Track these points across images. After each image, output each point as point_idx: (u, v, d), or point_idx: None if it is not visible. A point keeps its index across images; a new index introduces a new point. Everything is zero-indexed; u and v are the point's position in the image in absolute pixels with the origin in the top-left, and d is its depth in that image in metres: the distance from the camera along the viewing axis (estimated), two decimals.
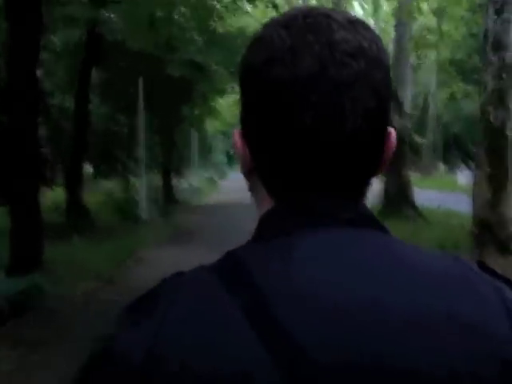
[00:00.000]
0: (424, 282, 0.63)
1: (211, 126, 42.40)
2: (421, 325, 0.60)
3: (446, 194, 24.99)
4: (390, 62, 0.77)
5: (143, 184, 18.16)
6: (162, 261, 10.70)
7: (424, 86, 45.24)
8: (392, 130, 0.73)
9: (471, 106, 45.02)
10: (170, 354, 0.59)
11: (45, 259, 9.57)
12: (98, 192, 27.66)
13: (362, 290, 0.61)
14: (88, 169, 50.45)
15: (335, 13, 0.69)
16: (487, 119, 7.73)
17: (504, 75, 7.36)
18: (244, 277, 0.61)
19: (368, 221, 0.70)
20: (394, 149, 0.73)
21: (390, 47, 15.98)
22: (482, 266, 0.70)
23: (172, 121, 24.36)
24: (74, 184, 16.79)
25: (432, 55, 39.86)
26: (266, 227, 0.69)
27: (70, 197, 16.63)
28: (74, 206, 16.52)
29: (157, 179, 27.93)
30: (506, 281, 0.69)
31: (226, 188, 37.02)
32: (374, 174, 0.73)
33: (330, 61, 0.64)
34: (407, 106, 15.86)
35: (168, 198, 25.03)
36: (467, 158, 30.23)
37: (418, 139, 29.11)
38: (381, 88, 0.68)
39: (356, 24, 0.69)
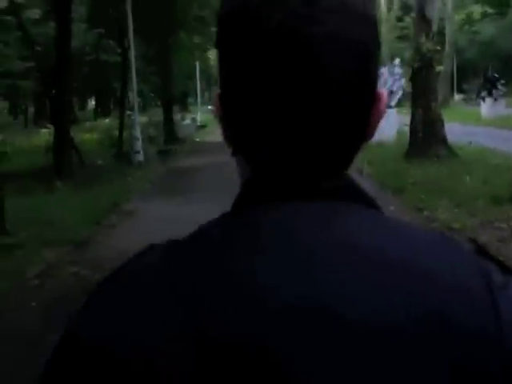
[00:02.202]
0: (390, 274, 0.55)
1: (214, 55, 39.88)
2: (383, 329, 0.52)
3: (471, 127, 22.93)
4: None
5: (136, 120, 16.11)
6: (152, 216, 8.87)
7: (438, 10, 42.45)
8: (383, 92, 0.65)
9: (488, 30, 42.58)
10: (100, 340, 0.57)
11: (6, 218, 7.83)
12: (97, 130, 25.99)
13: (307, 285, 0.55)
14: (91, 106, 48.76)
15: None
16: None
17: None
18: (183, 263, 0.59)
19: (350, 193, 0.64)
20: (384, 113, 0.66)
21: None
22: (474, 243, 0.65)
23: (168, 48, 22.11)
24: (60, 121, 14.86)
25: None
26: (240, 201, 0.65)
27: (58, 136, 14.71)
28: (62, 145, 14.62)
29: (158, 114, 25.98)
30: (498, 262, 0.61)
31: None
32: (359, 140, 0.65)
33: (307, 17, 0.58)
34: (435, 26, 13.49)
35: (169, 135, 23.10)
36: (490, 86, 27.76)
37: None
38: (364, 46, 0.61)
39: None
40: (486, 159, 12.76)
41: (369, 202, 0.64)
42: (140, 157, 15.65)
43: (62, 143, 14.46)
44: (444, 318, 0.53)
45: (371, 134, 0.66)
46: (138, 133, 15.68)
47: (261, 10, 0.59)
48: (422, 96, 13.14)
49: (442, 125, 13.36)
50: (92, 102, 48.26)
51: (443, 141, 13.23)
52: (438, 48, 13.53)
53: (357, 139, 0.64)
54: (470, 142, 15.16)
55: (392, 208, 8.74)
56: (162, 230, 7.21)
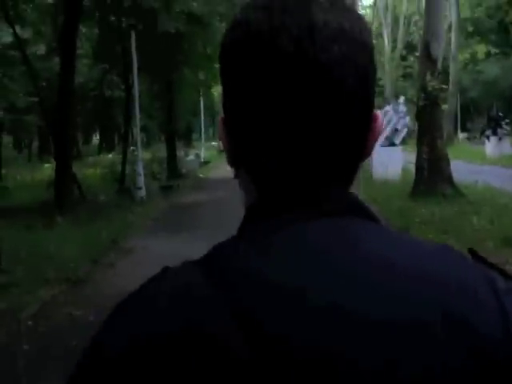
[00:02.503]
0: (404, 283, 0.60)
1: (218, 92, 40.05)
2: (408, 327, 0.58)
3: (476, 166, 22.78)
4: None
5: (139, 156, 15.99)
6: (152, 255, 8.65)
7: (443, 49, 42.73)
8: (379, 114, 0.71)
9: (492, 70, 42.77)
10: (143, 350, 0.59)
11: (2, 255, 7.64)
12: (100, 165, 25.89)
13: (330, 289, 0.59)
14: (96, 140, 48.88)
15: None
16: None
17: None
18: (225, 275, 0.61)
19: (357, 208, 0.68)
20: (380, 134, 0.71)
21: None
22: (474, 254, 0.68)
23: (173, 84, 22.12)
24: (62, 156, 14.77)
25: (452, 13, 37.27)
26: (249, 221, 0.69)
27: (60, 171, 14.59)
28: (63, 180, 14.50)
29: (162, 149, 25.92)
30: (500, 270, 0.65)
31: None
32: (358, 159, 0.70)
33: (309, 45, 0.63)
34: (440, 64, 13.39)
35: (172, 171, 22.98)
36: (494, 125, 27.68)
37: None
38: (363, 70, 0.66)
39: (338, 4, 0.67)
40: (493, 199, 12.55)
41: (372, 217, 0.68)
42: (142, 192, 15.49)
43: (64, 178, 14.35)
44: (458, 319, 0.58)
45: (369, 153, 0.71)
46: (140, 168, 15.56)
47: (270, 38, 0.64)
48: (427, 134, 13.01)
49: (448, 163, 13.19)
50: (97, 137, 48.45)
51: (449, 179, 13.04)
52: (444, 86, 13.45)
53: (357, 156, 0.69)
54: (476, 181, 14.96)
55: None
56: (157, 266, 7.07)
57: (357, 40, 0.66)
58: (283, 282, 0.60)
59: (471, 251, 0.68)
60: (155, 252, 8.78)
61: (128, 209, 13.47)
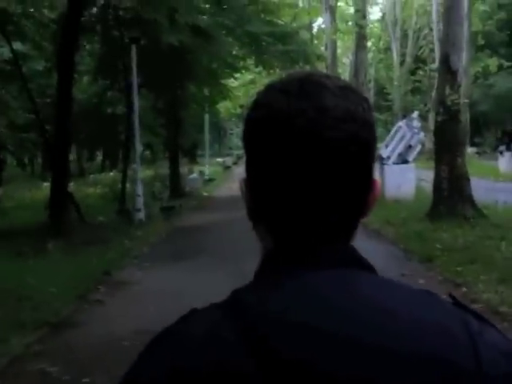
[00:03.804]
0: (395, 322, 0.71)
1: (224, 108, 39.32)
2: (391, 361, 0.68)
3: (491, 182, 21.76)
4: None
5: (138, 176, 15.11)
6: (147, 289, 7.74)
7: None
8: (377, 180, 0.82)
9: (503, 84, 41.87)
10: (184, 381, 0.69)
11: None
12: (101, 183, 25.04)
13: (338, 328, 0.70)
14: (99, 158, 48.12)
15: (328, 79, 0.79)
16: None
17: None
18: (244, 318, 0.71)
19: (355, 260, 0.79)
20: (378, 197, 0.82)
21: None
22: (453, 298, 0.79)
23: (177, 100, 21.31)
24: (59, 174, 13.96)
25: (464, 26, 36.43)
26: (266, 268, 0.80)
27: (55, 191, 13.78)
28: (59, 202, 13.67)
29: (165, 166, 25.07)
30: (473, 313, 0.76)
31: (241, 175, 33.91)
32: (359, 217, 0.82)
33: (322, 124, 0.75)
34: (461, 77, 12.49)
35: (174, 190, 22.11)
36: (509, 140, 26.78)
37: None
38: (366, 144, 0.78)
39: (345, 90, 0.79)
40: None
41: (368, 267, 0.80)
42: (141, 215, 14.59)
43: (60, 199, 13.51)
44: (432, 352, 0.69)
45: (369, 212, 0.83)
46: (139, 189, 14.67)
47: (289, 118, 0.75)
48: (446, 151, 12.08)
49: (469, 182, 12.23)
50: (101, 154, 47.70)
51: (470, 200, 12.08)
52: (466, 100, 12.54)
53: (359, 215, 0.81)
54: (496, 201, 13.98)
55: (422, 281, 7.59)
56: (159, 310, 6.12)
57: (360, 119, 0.77)
58: (299, 321, 0.70)
59: (451, 296, 0.80)
60: (150, 286, 7.88)
61: (126, 233, 12.58)
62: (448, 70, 11.82)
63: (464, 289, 6.99)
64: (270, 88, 0.81)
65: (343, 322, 0.70)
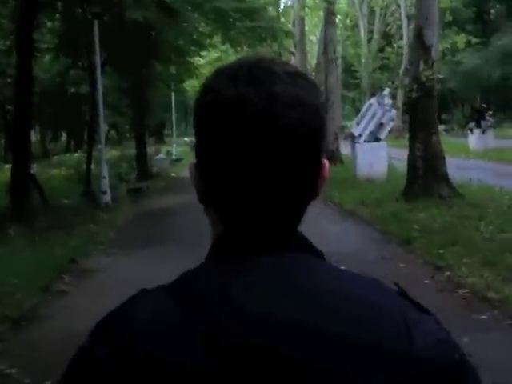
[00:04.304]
0: (341, 305, 0.73)
1: (191, 86, 38.60)
2: (333, 343, 0.70)
3: (462, 160, 21.63)
4: None
5: (103, 157, 14.57)
6: (114, 278, 7.31)
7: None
8: (326, 162, 0.83)
9: (471, 60, 41.93)
10: (126, 367, 0.70)
11: None
12: (65, 165, 24.31)
13: (296, 313, 0.72)
14: (64, 139, 46.99)
15: (277, 65, 0.79)
16: None
17: None
18: (195, 301, 0.72)
19: (303, 245, 0.81)
20: (326, 179, 0.83)
21: None
22: (398, 287, 0.81)
23: (143, 79, 20.68)
24: (20, 156, 13.37)
25: None
26: (216, 252, 0.80)
27: (16, 174, 13.18)
28: (20, 185, 13.07)
29: (133, 147, 24.45)
30: (415, 303, 0.78)
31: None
32: (308, 200, 0.82)
33: (270, 111, 0.74)
34: (435, 52, 12.11)
35: (141, 171, 21.56)
36: (478, 117, 26.65)
37: None
38: (316, 129, 0.78)
39: (295, 76, 0.79)
40: (493, 200, 11.40)
41: (316, 253, 0.81)
42: (107, 197, 14.06)
43: (21, 181, 12.93)
44: (376, 343, 0.71)
45: (317, 195, 0.83)
46: (105, 171, 14.12)
47: (236, 105, 0.75)
48: (421, 129, 11.80)
49: (444, 161, 11.97)
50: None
51: (445, 179, 11.84)
52: (440, 76, 12.25)
53: (307, 200, 0.81)
54: (470, 179, 13.79)
55: (402, 265, 7.31)
56: (120, 294, 5.74)
57: (309, 104, 0.77)
58: (250, 305, 0.71)
59: (396, 284, 0.81)
60: (118, 274, 7.45)
61: (92, 216, 12.08)
62: (422, 46, 11.48)
63: (447, 272, 6.70)
64: (219, 73, 0.80)
65: (299, 306, 0.72)
